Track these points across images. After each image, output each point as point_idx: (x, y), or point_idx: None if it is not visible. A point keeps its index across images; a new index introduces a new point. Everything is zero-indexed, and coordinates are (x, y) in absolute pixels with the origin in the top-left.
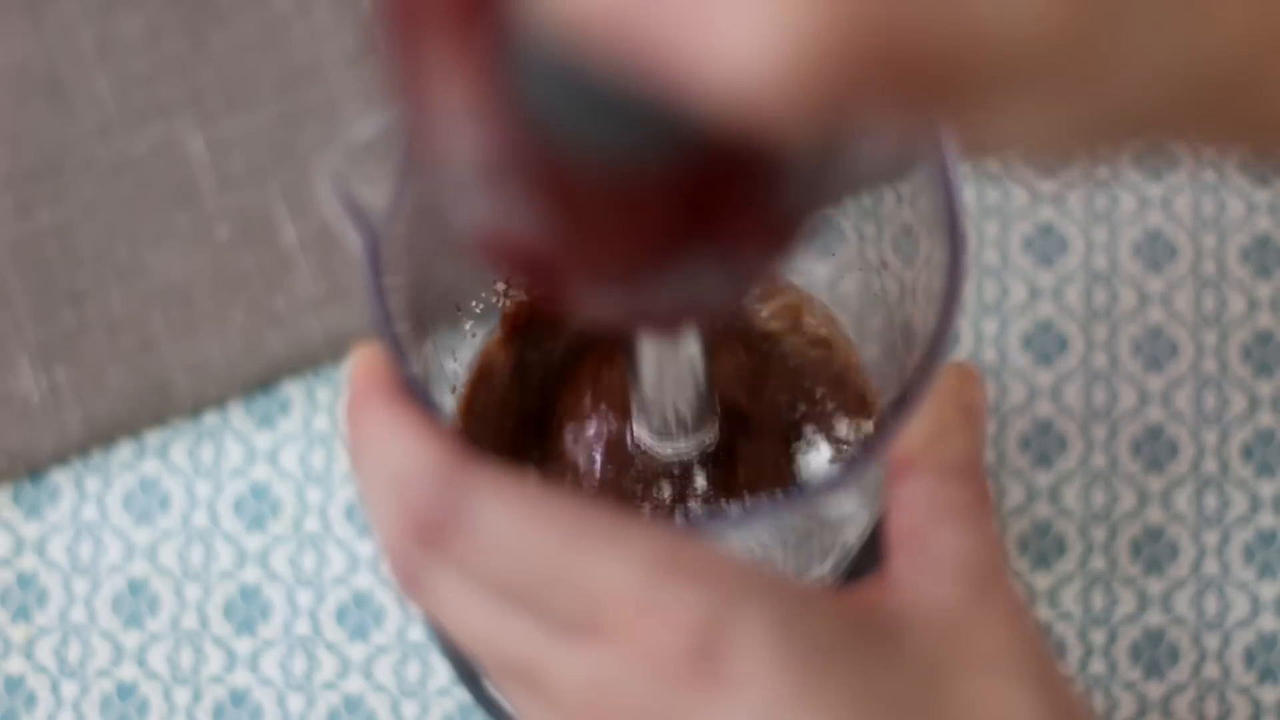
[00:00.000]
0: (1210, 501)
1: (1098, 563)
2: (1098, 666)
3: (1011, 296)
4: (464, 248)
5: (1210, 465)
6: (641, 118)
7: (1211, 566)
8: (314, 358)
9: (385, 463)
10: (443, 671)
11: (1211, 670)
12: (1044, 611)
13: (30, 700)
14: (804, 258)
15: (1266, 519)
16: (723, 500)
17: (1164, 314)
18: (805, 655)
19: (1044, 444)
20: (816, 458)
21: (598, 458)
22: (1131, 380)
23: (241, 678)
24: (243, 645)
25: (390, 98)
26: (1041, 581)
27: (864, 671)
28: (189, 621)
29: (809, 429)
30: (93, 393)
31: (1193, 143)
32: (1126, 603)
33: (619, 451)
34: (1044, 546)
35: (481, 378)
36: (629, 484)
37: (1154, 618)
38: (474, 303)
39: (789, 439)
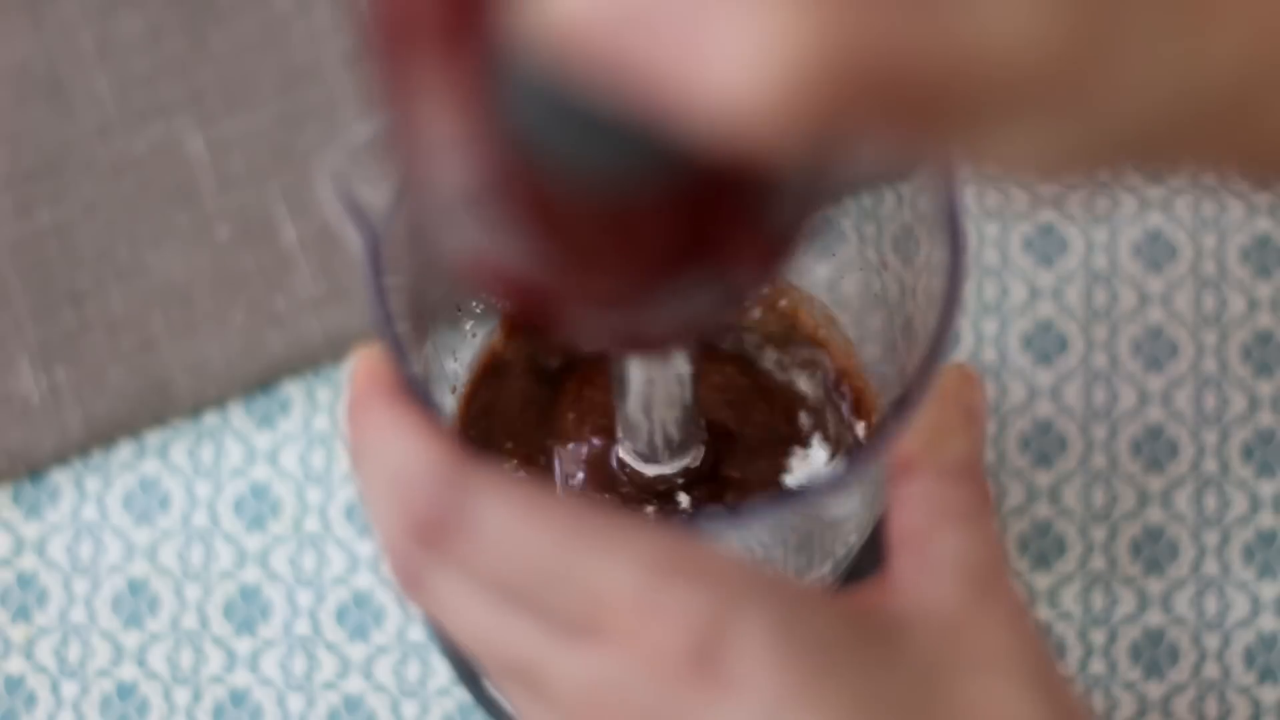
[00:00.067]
0: (1210, 501)
1: (1098, 563)
2: (1098, 666)
3: (1012, 296)
4: (453, 272)
5: (1210, 465)
6: (631, 141)
7: (1211, 566)
8: (314, 358)
9: (385, 463)
10: (443, 672)
11: (1211, 670)
12: (1044, 611)
13: (30, 700)
14: (804, 258)
15: (1266, 519)
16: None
17: (1164, 314)
18: (806, 655)
19: (1044, 444)
20: (809, 469)
21: (580, 477)
22: (1131, 380)
23: (241, 678)
24: (243, 645)
25: (379, 116)
26: (1041, 581)
27: (864, 671)
28: (189, 621)
29: (797, 447)
30: (93, 393)
31: (1191, 169)
32: (1126, 603)
33: (602, 471)
34: (1044, 546)
35: (483, 378)
36: (614, 502)
37: (1154, 618)
38: (474, 302)
39: (777, 456)
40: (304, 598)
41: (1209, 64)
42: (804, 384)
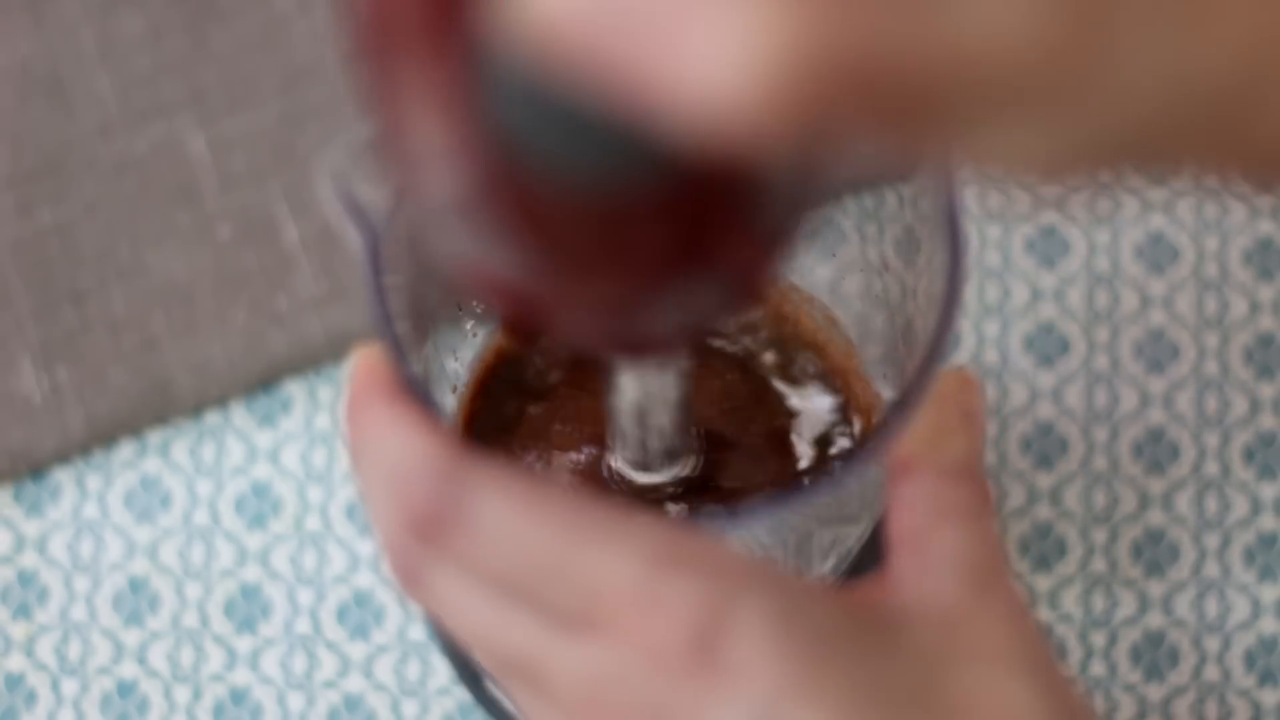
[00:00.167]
0: (1211, 504)
1: (1098, 565)
2: (1098, 669)
3: (1013, 298)
4: (446, 278)
5: (1211, 468)
6: (617, 142)
7: (1212, 569)
8: (315, 357)
9: (383, 459)
10: (443, 671)
11: (1212, 673)
12: (1044, 613)
13: (30, 698)
14: (805, 259)
15: (1268, 522)
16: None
17: (1166, 316)
18: (805, 646)
19: (1045, 446)
20: (808, 470)
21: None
22: (1133, 382)
23: (242, 676)
24: (243, 644)
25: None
26: (1042, 583)
27: (863, 662)
28: (189, 620)
29: (795, 451)
30: (94, 392)
31: (1193, 171)
32: (1127, 605)
33: (592, 481)
34: (1045, 548)
35: (483, 377)
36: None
37: (1154, 620)
38: (475, 302)
39: (774, 465)
40: (305, 596)
41: (1204, 63)
42: (804, 385)
